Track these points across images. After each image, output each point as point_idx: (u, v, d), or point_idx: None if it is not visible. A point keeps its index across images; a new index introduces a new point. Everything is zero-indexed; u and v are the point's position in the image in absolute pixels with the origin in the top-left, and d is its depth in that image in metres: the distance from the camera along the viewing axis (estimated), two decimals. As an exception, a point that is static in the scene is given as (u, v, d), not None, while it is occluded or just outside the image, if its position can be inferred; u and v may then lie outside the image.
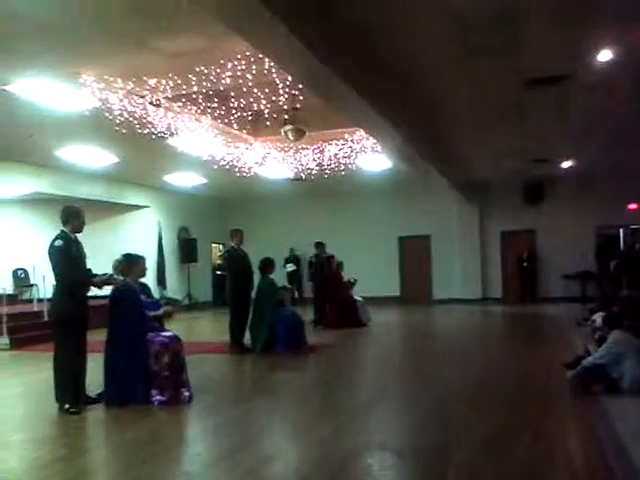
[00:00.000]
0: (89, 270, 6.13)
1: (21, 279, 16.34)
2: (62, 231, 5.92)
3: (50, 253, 5.79)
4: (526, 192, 17.95)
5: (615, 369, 5.89)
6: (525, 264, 17.96)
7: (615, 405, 5.43)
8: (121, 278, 6.11)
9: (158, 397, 5.89)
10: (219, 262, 17.55)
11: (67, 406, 5.70)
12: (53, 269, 5.83)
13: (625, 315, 6.81)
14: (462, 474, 3.86)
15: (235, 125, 11.09)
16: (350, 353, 10.00)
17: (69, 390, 5.78)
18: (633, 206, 16.93)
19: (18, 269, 16.37)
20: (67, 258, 5.75)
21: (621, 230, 17.38)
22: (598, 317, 8.21)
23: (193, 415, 5.76)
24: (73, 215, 5.97)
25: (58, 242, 5.76)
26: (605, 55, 7.75)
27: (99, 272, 6.21)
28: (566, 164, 15.34)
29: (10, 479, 4.01)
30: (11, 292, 15.20)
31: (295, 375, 8.01)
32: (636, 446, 4.20)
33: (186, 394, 6.05)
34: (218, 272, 18.96)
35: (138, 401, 5.83)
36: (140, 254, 6.54)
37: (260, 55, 7.25)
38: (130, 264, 6.32)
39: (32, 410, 6.21)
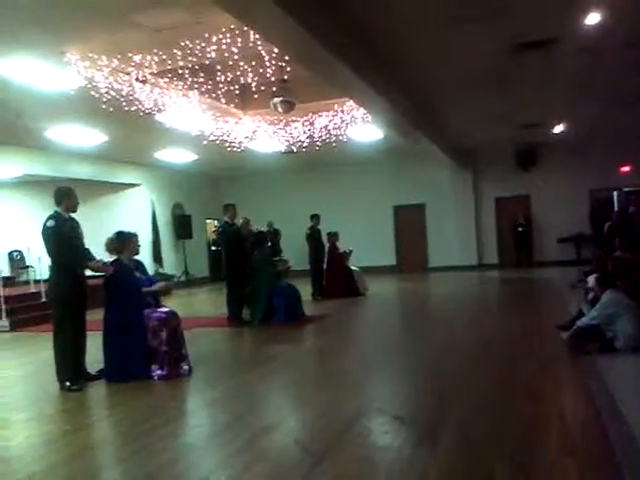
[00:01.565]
0: (87, 250, 6.15)
1: (17, 261, 16.33)
2: (55, 211, 5.92)
3: (43, 233, 5.81)
4: (519, 157, 17.95)
5: (609, 329, 5.98)
6: (520, 229, 18.03)
7: (609, 364, 5.52)
8: (110, 269, 6.07)
9: (158, 372, 5.96)
10: (214, 237, 17.51)
11: (68, 384, 5.77)
12: (46, 249, 5.85)
13: (618, 275, 6.88)
14: (457, 435, 3.93)
15: (223, 99, 11.00)
16: (347, 323, 10.09)
17: (69, 368, 5.84)
18: (626, 168, 16.94)
19: (14, 251, 16.35)
20: (59, 238, 5.76)
21: (615, 193, 17.41)
22: (592, 279, 8.28)
23: (193, 388, 5.83)
24: (64, 195, 5.97)
25: (50, 222, 5.77)
26: (593, 18, 7.68)
27: (94, 252, 6.23)
28: (558, 129, 15.29)
29: (16, 455, 4.07)
30: (8, 274, 15.22)
31: (293, 346, 8.09)
32: (629, 403, 4.28)
33: (185, 368, 6.12)
34: (213, 248, 18.99)
35: (138, 376, 5.90)
36: (132, 231, 6.54)
37: (245, 28, 7.17)
38: (123, 242, 6.33)
39: (34, 389, 6.27)
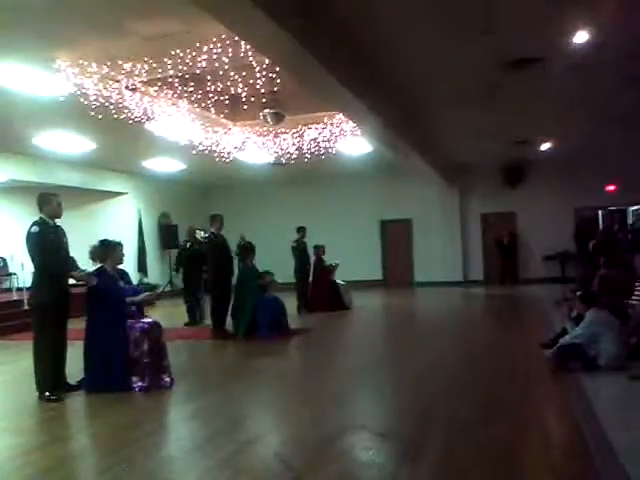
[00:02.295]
0: (71, 258, 6.08)
1: (0, 268, 16.15)
2: (40, 218, 5.87)
3: (27, 240, 5.74)
4: (506, 175, 18.08)
5: (592, 347, 5.99)
6: (505, 246, 18.10)
7: (592, 382, 5.53)
8: (94, 280, 6.00)
9: (139, 383, 5.88)
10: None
11: (47, 394, 5.68)
12: (30, 256, 5.78)
13: (602, 294, 6.91)
14: (440, 452, 3.90)
15: (213, 109, 10.98)
16: (332, 337, 10.05)
17: (49, 378, 5.76)
18: (611, 187, 17.11)
19: (-4, 258, 16.18)
20: (43, 245, 5.69)
21: (600, 211, 17.56)
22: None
23: (174, 401, 5.76)
24: (44, 201, 5.91)
25: (34, 228, 5.71)
26: (581, 37, 7.77)
27: (78, 260, 6.17)
28: (545, 146, 15.42)
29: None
30: (-10, 281, 15.05)
31: (277, 360, 8.04)
32: (612, 422, 4.28)
33: (167, 380, 6.05)
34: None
35: (118, 387, 5.81)
36: (117, 240, 6.48)
37: (236, 38, 7.18)
38: (107, 250, 6.26)
39: (12, 398, 6.17)
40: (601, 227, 16.55)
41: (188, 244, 12.04)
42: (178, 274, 11.60)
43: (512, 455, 3.80)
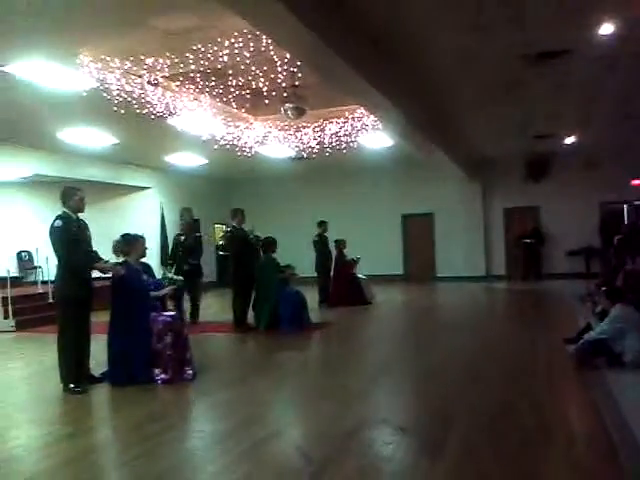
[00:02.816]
0: (94, 252, 6.14)
1: (25, 261, 16.40)
2: (63, 212, 5.92)
3: (50, 234, 5.80)
4: (529, 169, 17.86)
5: (617, 343, 5.90)
6: (528, 241, 17.91)
7: (617, 379, 5.45)
8: (122, 270, 6.06)
9: (162, 376, 5.93)
10: (221, 243, 17.48)
11: (72, 385, 5.75)
12: (54, 250, 5.84)
13: (628, 289, 6.81)
14: (461, 447, 3.88)
15: (234, 104, 11.01)
16: (354, 331, 10.04)
17: (73, 370, 5.83)
18: (637, 182, 16.84)
19: (22, 251, 16.43)
20: (67, 238, 5.75)
21: (625, 206, 17.31)
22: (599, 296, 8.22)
23: (196, 393, 5.79)
24: (67, 195, 5.97)
25: (57, 222, 5.77)
26: (607, 29, 7.64)
27: (102, 254, 6.23)
28: (569, 140, 15.23)
29: (18, 456, 4.05)
30: (16, 275, 15.27)
31: (298, 354, 8.05)
32: (638, 419, 4.21)
33: (189, 372, 6.09)
34: (221, 252, 18.97)
35: (141, 380, 5.87)
36: (139, 234, 6.53)
37: (257, 32, 7.18)
38: (129, 244, 6.31)
39: (38, 390, 6.26)
40: (626, 221, 16.33)
41: (182, 237, 10.91)
42: (171, 269, 10.59)
43: (534, 451, 3.75)
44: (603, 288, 7.11)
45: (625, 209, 17.33)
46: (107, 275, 6.15)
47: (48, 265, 10.65)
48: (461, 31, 7.62)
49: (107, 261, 6.12)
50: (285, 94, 9.95)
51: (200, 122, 11.16)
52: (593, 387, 5.28)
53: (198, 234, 11.42)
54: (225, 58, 8.20)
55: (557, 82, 9.94)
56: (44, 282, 12.60)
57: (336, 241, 13.57)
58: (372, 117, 11.51)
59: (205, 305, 11.76)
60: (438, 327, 10.16)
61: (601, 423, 4.22)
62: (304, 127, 12.57)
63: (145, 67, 8.61)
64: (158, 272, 13.05)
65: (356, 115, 12.00)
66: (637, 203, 17.06)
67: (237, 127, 12.13)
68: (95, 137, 12.47)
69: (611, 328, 6.00)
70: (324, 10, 6.39)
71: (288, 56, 8.31)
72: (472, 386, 5.59)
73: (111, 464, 4.05)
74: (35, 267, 15.25)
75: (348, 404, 5.09)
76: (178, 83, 9.67)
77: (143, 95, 9.47)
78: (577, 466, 3.51)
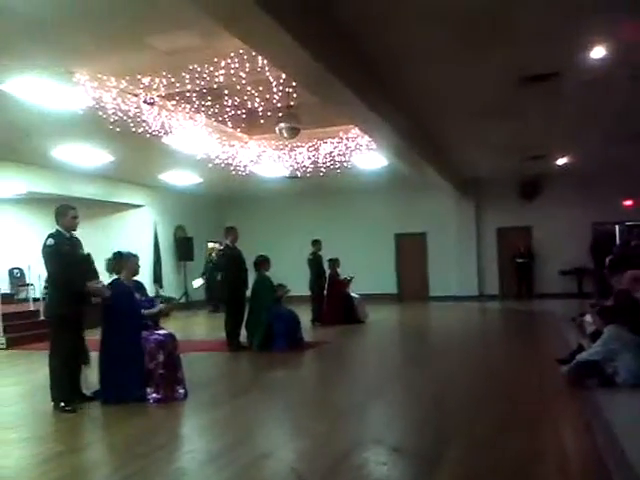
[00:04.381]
0: (94, 270, 6.12)
1: (17, 278, 16.31)
2: (56, 230, 5.92)
3: (42, 252, 5.79)
4: (522, 189, 18.01)
5: (609, 365, 5.91)
6: (521, 260, 17.98)
7: (610, 399, 5.45)
8: (107, 292, 6.04)
9: (153, 395, 5.89)
10: (211, 260, 17.36)
11: (62, 404, 5.70)
12: (46, 268, 5.83)
13: (620, 310, 6.82)
14: (456, 469, 3.87)
15: (229, 123, 11.09)
16: (347, 350, 10.02)
17: (64, 388, 5.79)
18: (628, 202, 16.97)
19: (14, 268, 16.35)
20: (58, 257, 5.74)
21: (617, 226, 17.41)
22: (588, 317, 8.24)
23: (188, 413, 5.76)
24: (59, 213, 5.97)
25: (50, 241, 5.76)
26: (598, 52, 7.75)
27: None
28: (561, 161, 15.36)
29: (8, 476, 4.01)
30: (7, 291, 15.19)
31: (291, 372, 8.02)
32: (630, 441, 4.21)
33: (181, 392, 6.06)
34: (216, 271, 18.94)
35: (133, 399, 5.83)
36: (133, 252, 6.52)
37: (253, 53, 7.25)
38: (121, 262, 6.30)
39: (28, 408, 6.20)
40: (618, 242, 16.40)
41: None
42: None
43: (528, 472, 3.75)
44: (595, 308, 7.13)
45: (617, 229, 17.42)
46: (97, 295, 6.12)
47: (40, 282, 10.59)
48: (454, 55, 7.72)
49: (98, 282, 6.10)
50: (280, 114, 10.03)
51: (195, 141, 11.21)
52: (586, 407, 5.28)
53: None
54: (221, 78, 8.28)
55: (549, 104, 10.06)
56: (36, 299, 12.53)
57: (330, 260, 13.59)
58: (366, 137, 11.60)
59: (198, 323, 11.71)
60: (431, 347, 10.15)
61: (595, 444, 4.21)
62: (298, 146, 12.65)
63: (141, 86, 8.68)
64: (151, 290, 13.06)
65: (350, 135, 12.10)
66: (629, 224, 17.16)
67: (232, 146, 12.19)
68: (90, 155, 12.48)
69: (604, 349, 6.01)
70: (319, 32, 6.47)
71: (283, 76, 8.40)
72: (467, 406, 5.58)
73: (102, 484, 4.01)
74: (27, 284, 15.16)
75: (342, 423, 5.07)
76: (174, 102, 9.73)
77: (139, 114, 9.53)
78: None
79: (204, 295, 18.08)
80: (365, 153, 12.87)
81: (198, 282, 17.10)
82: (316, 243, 13.41)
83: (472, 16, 6.64)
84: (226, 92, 9.34)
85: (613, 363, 5.89)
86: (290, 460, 4.25)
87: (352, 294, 13.53)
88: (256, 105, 9.95)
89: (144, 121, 9.84)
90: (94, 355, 6.11)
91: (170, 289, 17.31)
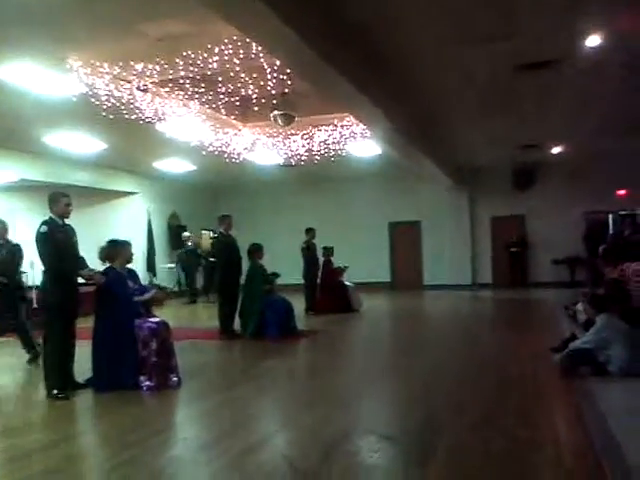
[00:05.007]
0: (81, 258, 6.10)
1: (10, 266, 16.20)
2: (50, 217, 5.89)
3: (36, 239, 5.77)
4: (516, 178, 18.01)
5: (602, 353, 5.94)
6: (514, 249, 18.03)
7: (602, 388, 5.47)
8: (102, 279, 6.03)
9: (146, 383, 5.88)
10: (186, 249, 17.32)
11: (55, 392, 5.70)
12: (39, 255, 5.81)
13: (612, 299, 6.85)
14: (447, 457, 3.88)
15: (223, 110, 11.02)
16: (340, 339, 10.04)
17: (57, 376, 5.78)
18: (622, 192, 17.00)
19: (7, 256, 16.23)
20: (51, 244, 5.72)
21: (610, 216, 17.45)
22: (581, 305, 8.28)
23: (181, 400, 5.77)
24: (54, 200, 5.94)
25: (43, 228, 5.74)
26: (593, 40, 7.74)
27: (88, 259, 6.20)
28: (556, 150, 15.38)
29: (0, 464, 4.01)
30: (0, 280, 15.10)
31: (284, 361, 8.03)
32: (622, 429, 4.24)
33: (174, 379, 6.06)
34: (211, 259, 18.91)
35: (126, 387, 5.83)
36: (126, 239, 6.50)
37: (247, 39, 7.19)
38: (115, 250, 6.29)
39: (21, 397, 6.21)
40: (611, 231, 16.45)
41: None
42: None
43: (521, 460, 3.77)
44: (588, 297, 7.16)
45: (610, 218, 17.47)
46: (91, 282, 6.11)
47: (33, 270, 10.55)
48: (451, 42, 7.69)
49: (91, 269, 6.08)
50: (274, 101, 9.97)
51: (189, 128, 11.15)
52: (579, 396, 5.30)
53: (15, 244, 8.80)
54: (215, 65, 8.22)
55: (544, 92, 10.04)
56: (29, 287, 12.47)
57: (324, 248, 13.58)
58: (360, 125, 11.56)
59: (191, 311, 11.70)
60: (425, 335, 10.17)
61: (586, 431, 4.24)
62: (293, 134, 12.60)
63: (134, 73, 8.60)
64: (144, 278, 13.02)
65: (345, 123, 12.05)
66: (622, 213, 17.20)
67: (226, 134, 12.13)
68: (83, 142, 12.41)
69: (596, 338, 6.04)
70: (317, 20, 6.42)
71: (277, 63, 8.35)
72: (459, 395, 5.60)
73: (96, 472, 4.00)
74: (20, 272, 15.07)
75: (335, 412, 5.08)
76: (167, 89, 9.66)
77: (132, 101, 9.46)
78: (565, 476, 3.52)
79: (174, 285, 17.72)
80: (359, 141, 12.84)
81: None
82: (310, 231, 13.39)
83: (470, 8, 6.62)
84: (220, 79, 9.27)
85: (606, 351, 5.92)
86: (283, 448, 4.26)
87: (346, 282, 13.54)
88: (250, 92, 9.89)
89: (137, 108, 9.78)
90: (85, 343, 6.08)
91: (163, 277, 17.28)
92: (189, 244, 17.13)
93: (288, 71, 8.58)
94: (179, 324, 10.28)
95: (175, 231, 18.37)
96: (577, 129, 13.07)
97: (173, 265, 17.66)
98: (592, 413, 4.71)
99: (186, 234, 17.43)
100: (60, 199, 5.95)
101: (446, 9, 6.70)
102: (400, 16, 6.84)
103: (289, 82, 9.37)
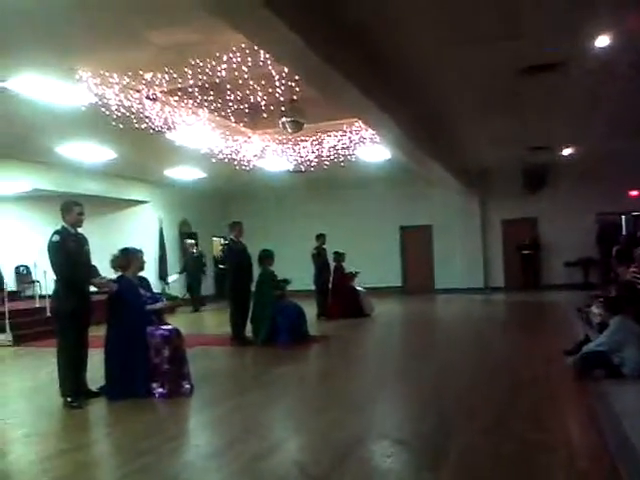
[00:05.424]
0: (93, 266, 6.14)
1: (23, 276, 16.36)
2: (62, 226, 5.94)
3: (48, 248, 5.81)
4: (527, 180, 17.91)
5: (616, 355, 5.89)
6: (527, 252, 17.92)
7: (617, 390, 5.43)
8: (115, 287, 6.07)
9: (159, 390, 5.91)
10: (190, 256, 17.20)
11: (69, 400, 5.73)
12: (51, 264, 5.85)
13: (626, 301, 6.80)
14: (460, 461, 3.86)
15: (232, 118, 11.06)
16: (352, 344, 10.02)
17: (70, 384, 5.82)
18: (634, 193, 16.89)
19: (20, 266, 16.39)
20: (64, 253, 5.76)
21: (622, 217, 17.34)
22: (595, 307, 8.22)
23: (194, 407, 5.78)
24: (64, 209, 5.99)
25: (55, 237, 5.78)
26: (602, 41, 7.70)
27: (100, 268, 6.24)
28: (567, 151, 15.28)
29: (15, 472, 4.03)
30: (14, 289, 15.25)
31: (297, 367, 8.03)
32: (637, 431, 4.20)
33: (187, 387, 6.07)
34: (220, 266, 18.93)
35: (139, 394, 5.85)
36: (138, 248, 6.54)
37: (255, 47, 7.22)
38: (128, 258, 6.32)
39: (35, 405, 6.23)
40: (624, 232, 16.35)
41: None
42: None
43: (534, 464, 3.74)
44: (601, 300, 7.11)
45: (623, 220, 17.36)
46: (104, 290, 6.15)
47: (46, 279, 10.62)
48: (458, 45, 7.67)
49: (103, 277, 6.12)
50: (283, 108, 10.00)
51: (198, 136, 11.20)
52: (593, 399, 5.26)
53: None
54: (223, 73, 8.26)
55: (554, 94, 9.99)
56: (42, 296, 12.56)
57: (335, 253, 13.57)
58: (370, 130, 11.56)
59: (203, 318, 11.72)
60: (436, 339, 10.14)
61: (602, 435, 4.20)
62: (302, 141, 12.62)
63: (144, 82, 8.67)
64: (157, 286, 13.09)
65: (354, 128, 12.06)
66: (635, 214, 17.10)
67: (235, 141, 12.17)
68: (94, 151, 12.50)
69: (610, 340, 5.99)
70: (319, 24, 6.43)
71: (286, 70, 8.38)
72: (472, 398, 5.57)
73: (107, 479, 4.02)
74: (33, 281, 15.19)
75: (347, 417, 5.07)
76: (176, 98, 9.72)
77: (141, 110, 9.51)
78: (577, 475, 3.50)
79: (184, 293, 17.35)
80: (369, 146, 12.83)
81: (173, 277, 17.06)
82: (320, 237, 13.40)
83: (476, 9, 6.60)
84: (229, 87, 9.32)
85: (620, 354, 5.88)
86: (295, 454, 4.26)
87: (357, 287, 13.52)
88: (259, 99, 9.93)
89: (147, 117, 9.84)
90: (98, 351, 6.12)
91: (175, 285, 17.33)
92: (193, 251, 17.08)
93: (296, 78, 8.61)
94: (190, 331, 10.31)
95: (186, 238, 18.43)
96: (587, 130, 12.99)
97: (177, 274, 17.45)
98: (606, 415, 4.67)
99: (189, 241, 17.41)
100: (72, 208, 6.00)
101: (449, 10, 6.68)
102: (407, 20, 6.83)
103: (297, 89, 9.39)
